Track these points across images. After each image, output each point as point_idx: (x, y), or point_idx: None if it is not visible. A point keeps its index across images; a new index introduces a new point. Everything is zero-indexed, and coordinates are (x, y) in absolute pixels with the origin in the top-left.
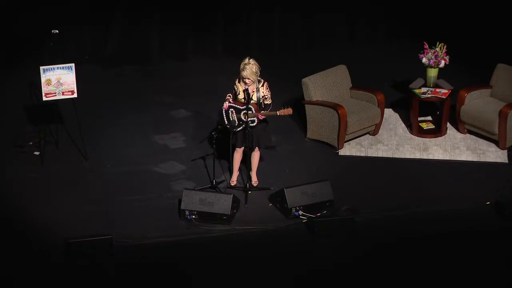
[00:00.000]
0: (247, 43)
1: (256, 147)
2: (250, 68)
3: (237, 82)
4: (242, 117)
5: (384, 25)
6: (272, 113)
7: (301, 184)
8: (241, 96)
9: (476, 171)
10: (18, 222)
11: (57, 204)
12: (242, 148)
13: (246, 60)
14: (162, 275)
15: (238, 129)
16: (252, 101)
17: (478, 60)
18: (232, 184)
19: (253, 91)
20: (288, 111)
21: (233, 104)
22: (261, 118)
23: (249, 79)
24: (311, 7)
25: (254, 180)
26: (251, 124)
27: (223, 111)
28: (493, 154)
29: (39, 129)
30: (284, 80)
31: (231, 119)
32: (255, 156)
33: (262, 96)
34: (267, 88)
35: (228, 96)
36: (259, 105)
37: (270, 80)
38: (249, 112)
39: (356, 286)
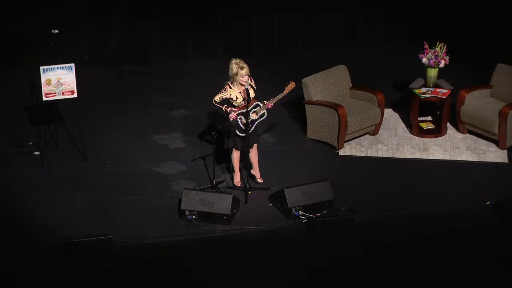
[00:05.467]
0: (247, 43)
1: (254, 144)
2: (246, 64)
3: (229, 88)
4: (252, 116)
5: (384, 25)
6: (279, 95)
7: (301, 184)
8: (239, 100)
9: (476, 171)
10: (18, 222)
11: (57, 204)
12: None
13: (237, 60)
14: (162, 275)
15: (252, 129)
16: (251, 99)
17: (478, 60)
18: (238, 185)
19: (249, 88)
20: (292, 85)
21: (239, 111)
22: (270, 107)
23: (248, 75)
24: (311, 7)
25: (259, 177)
26: (262, 118)
27: (231, 122)
28: (493, 154)
29: (39, 129)
30: (284, 80)
31: (241, 125)
32: (254, 153)
33: (255, 89)
34: (252, 81)
35: (225, 108)
36: (256, 97)
37: (270, 80)
38: (257, 108)
39: (356, 286)
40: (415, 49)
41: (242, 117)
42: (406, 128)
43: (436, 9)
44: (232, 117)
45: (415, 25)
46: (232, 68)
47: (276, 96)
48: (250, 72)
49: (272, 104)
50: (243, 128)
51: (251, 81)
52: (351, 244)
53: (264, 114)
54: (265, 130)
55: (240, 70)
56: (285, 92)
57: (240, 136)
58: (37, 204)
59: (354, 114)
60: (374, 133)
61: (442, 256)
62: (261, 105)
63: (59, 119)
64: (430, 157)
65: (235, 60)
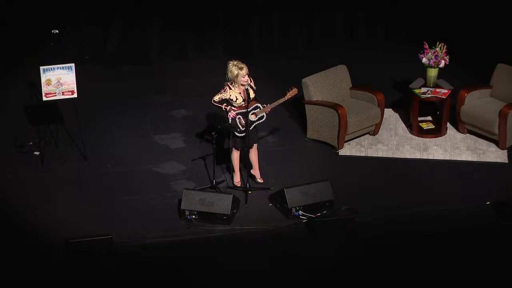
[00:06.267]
0: (247, 43)
1: (254, 145)
2: (244, 64)
3: (228, 89)
4: (251, 118)
5: (384, 25)
6: (280, 100)
7: (301, 184)
8: (239, 100)
9: (476, 171)
10: (18, 222)
11: (57, 204)
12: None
13: (234, 62)
14: (162, 275)
15: (250, 129)
16: (251, 100)
17: (478, 60)
18: (238, 185)
19: (249, 89)
20: (294, 92)
21: (239, 111)
22: (268, 111)
23: (248, 74)
24: (311, 7)
25: (259, 176)
26: (261, 121)
27: (230, 120)
28: (493, 154)
29: (39, 129)
30: (284, 80)
31: (239, 125)
32: (254, 153)
33: (254, 90)
34: (252, 81)
35: (225, 106)
36: (256, 99)
37: (270, 80)
38: (257, 110)
39: (356, 286)
40: (415, 49)
41: (241, 117)
42: (406, 128)
43: (436, 9)
44: (232, 115)
45: (415, 25)
46: (231, 70)
47: (276, 100)
48: (249, 72)
49: (269, 109)
50: (242, 128)
51: (251, 81)
52: (351, 244)
53: (263, 116)
54: (268, 133)
55: (239, 71)
56: (286, 98)
57: (240, 136)
58: (37, 204)
59: (354, 114)
60: (374, 133)
61: (442, 256)
62: (261, 107)
63: (59, 119)
64: (430, 157)
65: (232, 62)
